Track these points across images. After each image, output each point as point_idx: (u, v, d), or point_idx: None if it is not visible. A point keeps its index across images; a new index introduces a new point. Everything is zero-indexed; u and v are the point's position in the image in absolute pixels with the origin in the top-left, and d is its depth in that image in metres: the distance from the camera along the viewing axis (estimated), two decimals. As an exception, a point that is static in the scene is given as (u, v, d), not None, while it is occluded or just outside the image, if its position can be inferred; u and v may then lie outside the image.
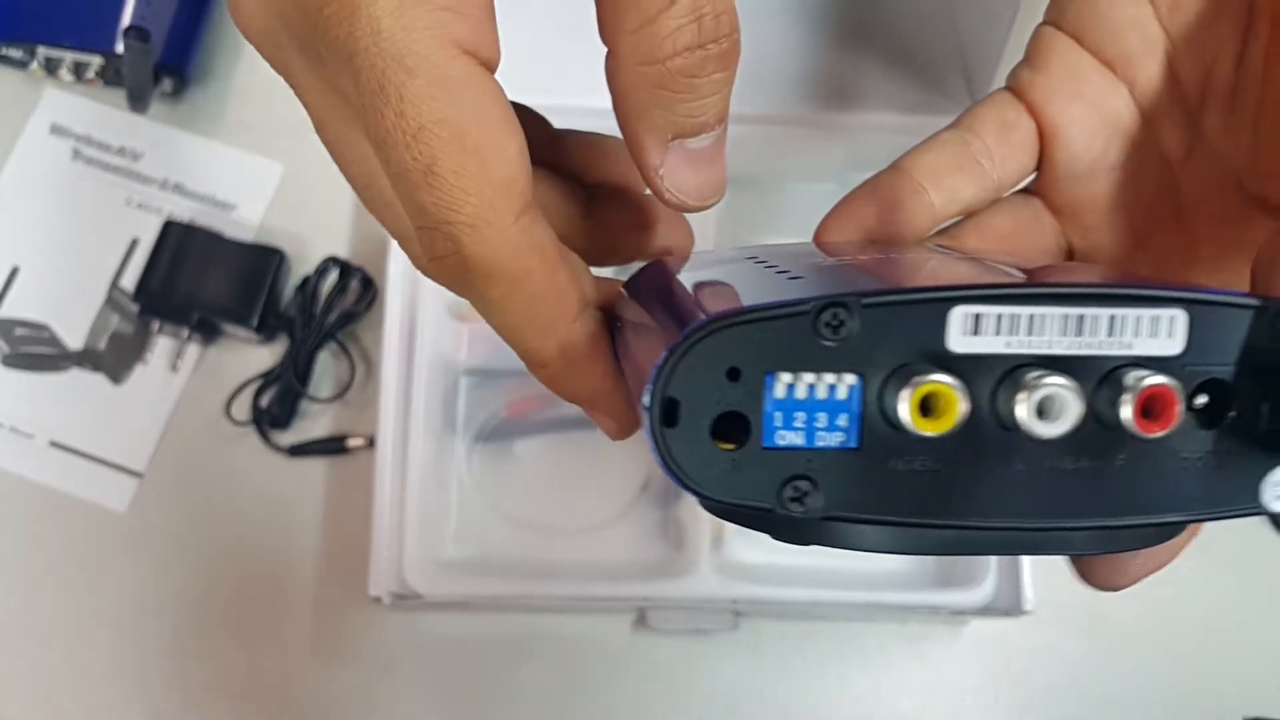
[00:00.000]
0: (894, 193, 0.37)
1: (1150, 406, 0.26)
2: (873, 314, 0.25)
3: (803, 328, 0.25)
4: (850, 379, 0.26)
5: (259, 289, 0.73)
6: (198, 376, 0.74)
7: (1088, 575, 0.33)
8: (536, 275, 0.30)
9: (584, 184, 0.38)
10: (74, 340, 0.74)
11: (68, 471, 0.72)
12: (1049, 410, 0.25)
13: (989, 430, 0.26)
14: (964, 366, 0.26)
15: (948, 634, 0.72)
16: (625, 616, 0.71)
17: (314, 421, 0.74)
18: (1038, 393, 0.25)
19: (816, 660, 0.71)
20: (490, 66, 0.29)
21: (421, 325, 0.68)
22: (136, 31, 0.70)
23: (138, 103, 0.76)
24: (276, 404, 0.73)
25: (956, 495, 0.27)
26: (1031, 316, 0.26)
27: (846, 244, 0.37)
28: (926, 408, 0.25)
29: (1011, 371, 0.26)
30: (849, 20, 0.74)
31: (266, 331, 0.73)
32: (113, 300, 0.75)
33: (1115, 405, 0.26)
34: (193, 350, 0.74)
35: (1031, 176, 0.39)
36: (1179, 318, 0.26)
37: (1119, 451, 0.27)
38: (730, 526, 0.67)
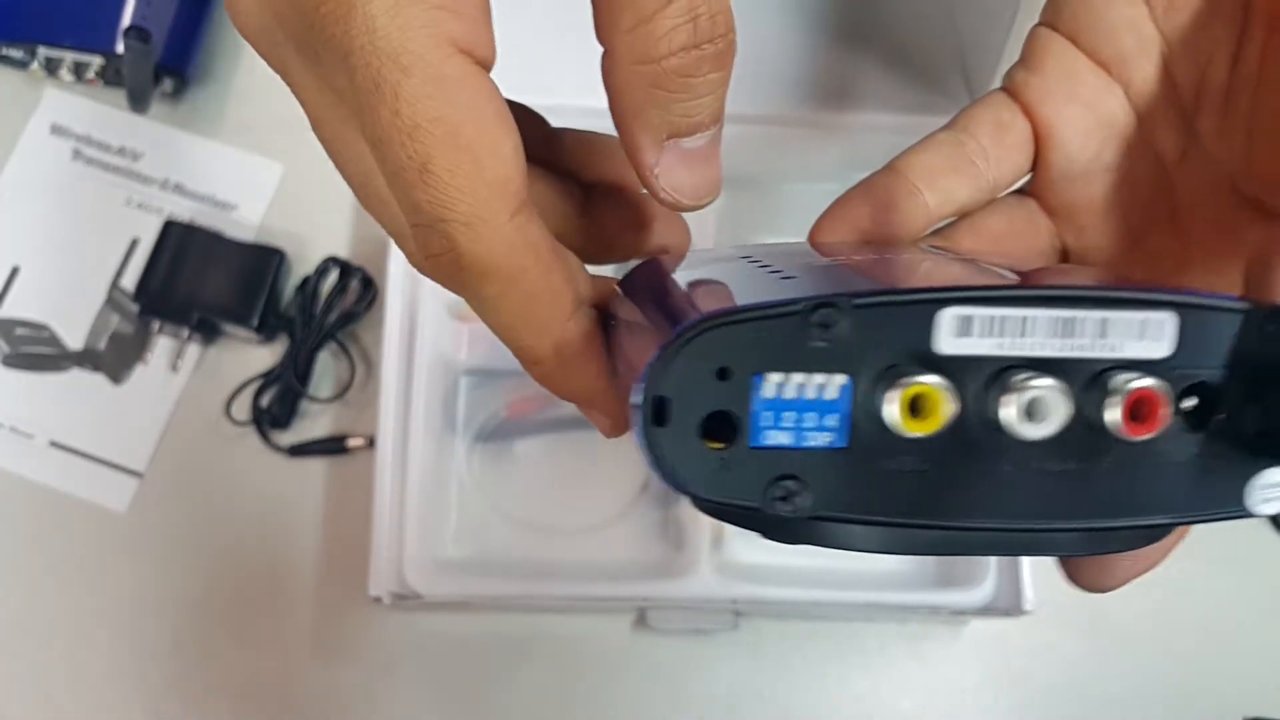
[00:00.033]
0: (888, 193, 0.37)
1: (1137, 409, 0.26)
2: (863, 315, 0.25)
3: (793, 328, 0.25)
4: (840, 379, 0.26)
5: (259, 289, 0.73)
6: (198, 376, 0.74)
7: (1076, 577, 0.33)
8: (531, 274, 0.30)
9: (581, 182, 0.38)
10: (74, 340, 0.74)
11: (68, 471, 0.72)
12: (1036, 412, 0.25)
13: (977, 432, 0.26)
14: (953, 368, 0.26)
15: (948, 634, 0.72)
16: (625, 616, 0.71)
17: (314, 421, 0.74)
18: (1024, 394, 0.25)
19: (816, 660, 0.71)
20: (486, 65, 0.29)
21: (421, 325, 0.68)
22: (137, 31, 0.70)
23: (138, 103, 0.76)
24: (276, 404, 0.73)
25: (945, 496, 0.27)
26: (1021, 319, 0.26)
27: (841, 244, 0.37)
28: (915, 408, 0.26)
29: (1000, 373, 0.26)
30: (849, 20, 0.74)
31: (266, 331, 0.73)
32: (113, 300, 0.75)
33: (1102, 407, 0.26)
34: (193, 350, 0.74)
35: (1026, 177, 0.39)
36: (1168, 321, 0.26)
37: (1106, 454, 0.27)
38: (730, 527, 0.67)
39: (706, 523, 0.67)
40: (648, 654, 0.71)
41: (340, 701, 0.70)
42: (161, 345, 0.74)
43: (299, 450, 0.73)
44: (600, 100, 0.31)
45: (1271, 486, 0.27)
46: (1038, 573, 0.65)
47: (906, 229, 0.37)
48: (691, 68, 0.29)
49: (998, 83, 0.40)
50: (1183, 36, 0.37)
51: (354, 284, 0.75)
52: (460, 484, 0.71)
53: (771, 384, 0.25)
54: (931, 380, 0.25)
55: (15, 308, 0.75)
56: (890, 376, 0.26)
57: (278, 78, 0.32)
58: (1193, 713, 0.71)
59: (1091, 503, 0.27)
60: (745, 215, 0.72)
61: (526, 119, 0.37)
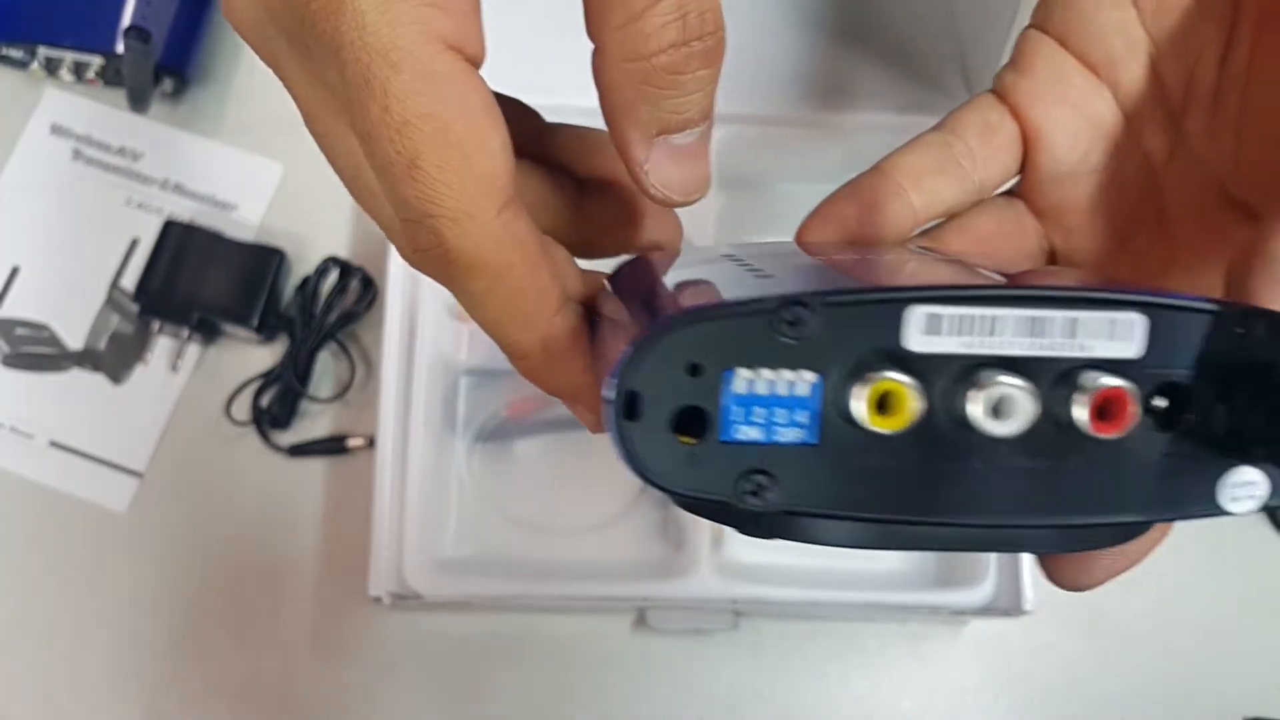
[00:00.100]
0: (874, 194, 0.37)
1: (1105, 408, 0.26)
2: (832, 313, 0.26)
3: (763, 325, 0.26)
4: (809, 376, 0.26)
5: (259, 289, 0.73)
6: (198, 376, 0.74)
7: (1055, 575, 0.33)
8: (518, 270, 0.30)
9: (574, 177, 0.38)
10: (74, 340, 0.74)
11: (68, 471, 0.72)
12: (1002, 409, 0.26)
13: (946, 429, 0.26)
14: (924, 366, 0.26)
15: (948, 634, 0.72)
16: (625, 616, 0.71)
17: (314, 421, 0.74)
18: (991, 392, 0.26)
19: (816, 660, 0.71)
20: (475, 62, 0.29)
21: (421, 325, 0.68)
22: (137, 31, 0.70)
23: (138, 103, 0.76)
24: (276, 404, 0.73)
25: (915, 492, 0.27)
26: (990, 318, 0.26)
27: (828, 244, 0.37)
28: (882, 405, 0.26)
29: (968, 371, 0.26)
30: (848, 20, 0.74)
31: (266, 331, 0.73)
32: (113, 300, 0.75)
33: (1070, 406, 0.26)
34: (193, 350, 0.74)
35: (1015, 179, 0.39)
36: (1137, 321, 0.26)
37: (1075, 452, 0.27)
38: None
39: (706, 523, 0.66)
40: (647, 654, 0.71)
41: (340, 701, 0.70)
42: (161, 345, 0.74)
43: (299, 450, 0.73)
44: (596, 100, 0.31)
45: (1242, 485, 0.28)
46: (1038, 573, 0.64)
47: (892, 229, 0.37)
48: (681, 65, 0.29)
49: (997, 83, 0.40)
50: (1171, 38, 0.37)
51: (354, 284, 0.75)
52: (460, 484, 0.71)
53: (742, 380, 0.26)
54: (897, 377, 0.26)
55: (15, 308, 0.75)
56: (858, 373, 0.26)
57: (278, 78, 0.32)
58: (1193, 713, 0.71)
59: (1063, 500, 0.27)
60: (745, 215, 0.72)
61: (520, 114, 0.37)
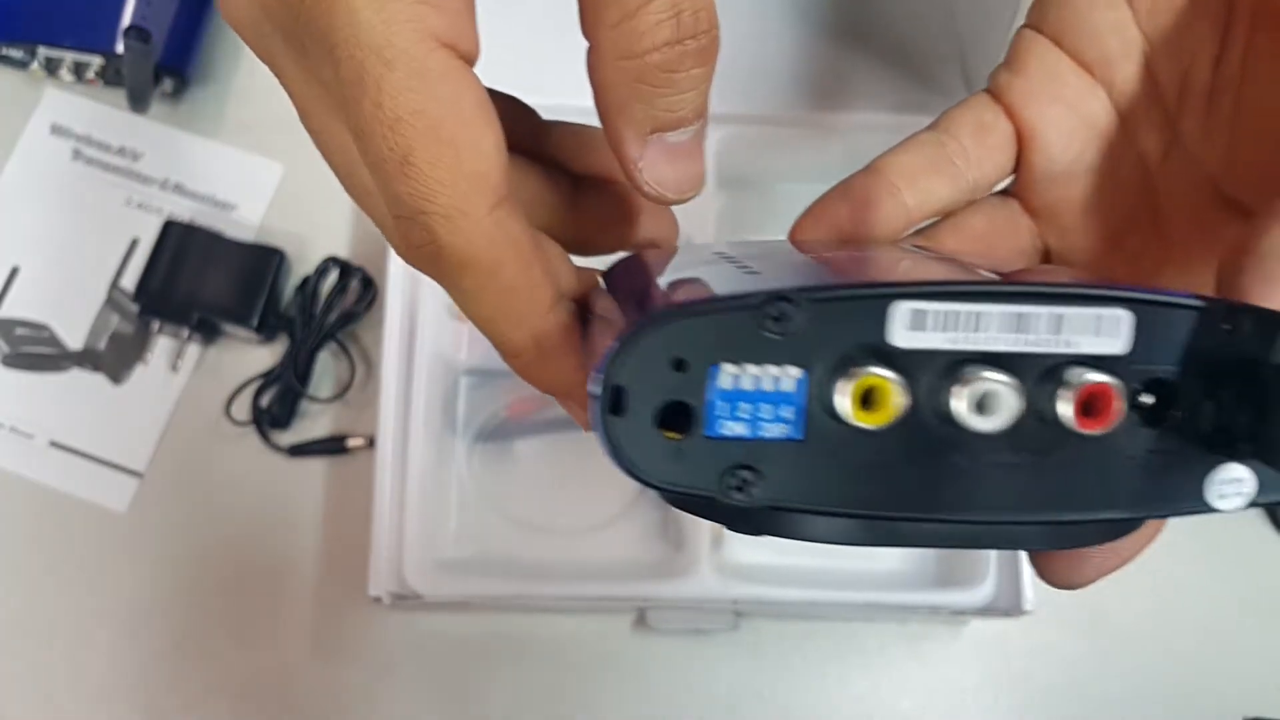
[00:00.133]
0: (867, 192, 0.37)
1: (1090, 404, 0.26)
2: (817, 308, 0.26)
3: (748, 321, 0.26)
4: (795, 372, 0.26)
5: (259, 289, 0.73)
6: (198, 376, 0.74)
7: (1045, 573, 0.33)
8: (510, 267, 0.30)
9: (570, 175, 0.38)
10: (74, 340, 0.74)
11: (68, 471, 0.73)
12: (986, 405, 0.26)
13: (931, 425, 0.26)
14: (907, 362, 0.26)
15: (948, 634, 0.71)
16: (625, 616, 0.71)
17: (314, 421, 0.74)
18: (975, 387, 0.26)
19: (816, 660, 0.71)
20: (469, 60, 0.29)
21: (421, 325, 0.68)
22: (137, 31, 0.70)
23: (138, 103, 0.76)
24: (276, 404, 0.73)
25: (901, 488, 0.27)
26: (975, 314, 0.26)
27: (822, 243, 0.37)
28: (866, 401, 0.26)
29: (953, 367, 0.26)
30: (848, 20, 0.74)
31: (266, 331, 0.73)
32: (113, 300, 0.75)
33: (1054, 402, 0.26)
34: (193, 350, 0.74)
35: (1009, 179, 0.39)
36: (1123, 317, 0.26)
37: (1061, 448, 0.27)
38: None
39: (706, 523, 0.66)
40: (647, 654, 0.71)
41: (340, 701, 0.70)
42: (161, 345, 0.74)
43: (299, 450, 0.73)
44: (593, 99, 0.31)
45: (1230, 482, 0.27)
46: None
47: (885, 228, 0.37)
48: (674, 63, 0.29)
49: (998, 83, 0.40)
50: (1166, 37, 0.37)
51: (354, 284, 0.75)
52: (460, 484, 0.71)
53: (727, 375, 0.26)
54: (881, 372, 0.26)
55: (15, 308, 0.75)
56: (842, 368, 0.26)
57: (274, 76, 0.32)
58: (1193, 713, 0.71)
59: (1050, 497, 0.27)
60: (744, 215, 0.72)
61: (516, 111, 0.37)
